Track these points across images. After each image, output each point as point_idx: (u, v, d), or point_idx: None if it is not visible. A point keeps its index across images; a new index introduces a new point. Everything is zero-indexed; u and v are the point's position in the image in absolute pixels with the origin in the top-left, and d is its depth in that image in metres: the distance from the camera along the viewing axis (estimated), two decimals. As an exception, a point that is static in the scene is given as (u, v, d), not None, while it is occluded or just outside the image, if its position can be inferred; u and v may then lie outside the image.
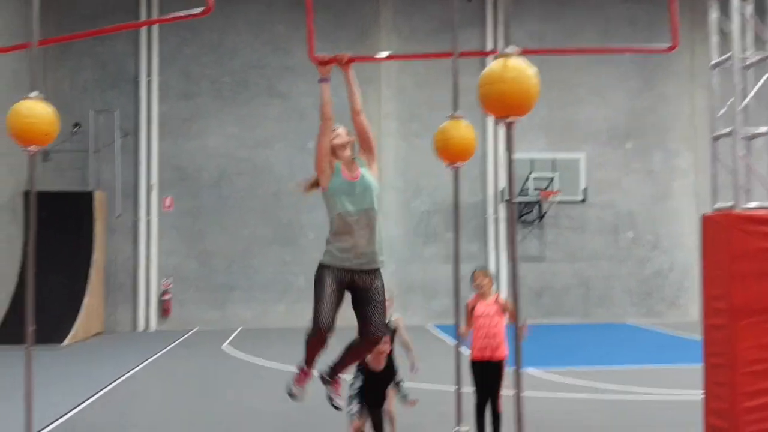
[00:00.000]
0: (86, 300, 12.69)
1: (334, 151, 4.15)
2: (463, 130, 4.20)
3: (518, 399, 3.03)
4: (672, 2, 3.83)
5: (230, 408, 7.02)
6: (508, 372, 4.90)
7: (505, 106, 2.78)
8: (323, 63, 4.09)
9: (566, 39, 15.15)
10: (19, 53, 12.61)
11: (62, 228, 13.04)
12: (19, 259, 12.89)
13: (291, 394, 4.26)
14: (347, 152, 4.17)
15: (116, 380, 8.40)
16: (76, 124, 14.17)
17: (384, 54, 14.34)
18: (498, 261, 14.80)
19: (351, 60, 4.12)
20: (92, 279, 13.00)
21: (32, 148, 3.95)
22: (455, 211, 4.63)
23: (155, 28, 14.78)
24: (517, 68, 2.76)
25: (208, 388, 8.13)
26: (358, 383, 4.72)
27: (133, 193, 14.42)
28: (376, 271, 4.06)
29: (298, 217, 14.56)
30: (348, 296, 4.06)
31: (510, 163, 2.89)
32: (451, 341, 11.92)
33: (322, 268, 4.03)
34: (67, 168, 14.24)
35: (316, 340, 4.05)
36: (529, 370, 8.68)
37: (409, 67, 15.08)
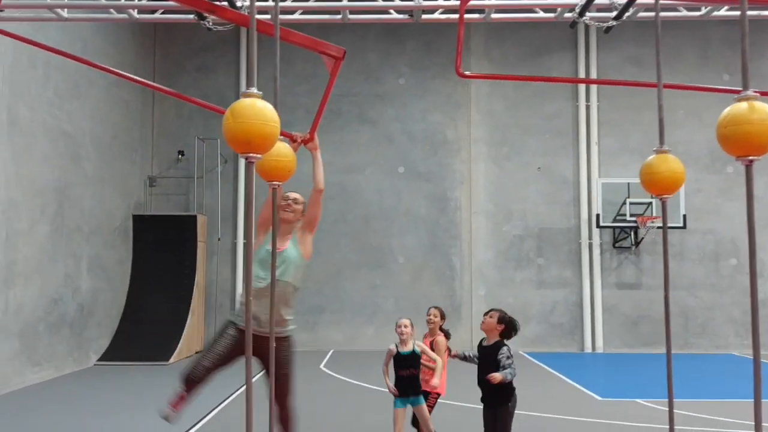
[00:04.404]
0: (189, 319, 13.23)
1: (280, 219, 4.47)
2: (671, 163, 4.20)
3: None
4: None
5: (345, 426, 7.15)
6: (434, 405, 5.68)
7: (748, 146, 2.89)
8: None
9: (664, 62, 14.82)
10: (131, 86, 13.46)
11: (168, 250, 13.71)
12: (128, 280, 13.60)
13: None
14: (288, 226, 4.53)
15: (228, 397, 8.70)
16: (180, 152, 14.92)
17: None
18: (592, 287, 14.50)
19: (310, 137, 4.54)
20: (194, 299, 13.55)
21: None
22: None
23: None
24: (763, 110, 2.85)
25: (317, 408, 8.31)
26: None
27: (232, 217, 15.00)
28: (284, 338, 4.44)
29: (387, 242, 14.74)
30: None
31: (749, 198, 2.94)
32: (547, 368, 11.74)
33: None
34: (172, 193, 14.99)
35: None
36: (639, 402, 8.47)
37: (498, 90, 15.14)
